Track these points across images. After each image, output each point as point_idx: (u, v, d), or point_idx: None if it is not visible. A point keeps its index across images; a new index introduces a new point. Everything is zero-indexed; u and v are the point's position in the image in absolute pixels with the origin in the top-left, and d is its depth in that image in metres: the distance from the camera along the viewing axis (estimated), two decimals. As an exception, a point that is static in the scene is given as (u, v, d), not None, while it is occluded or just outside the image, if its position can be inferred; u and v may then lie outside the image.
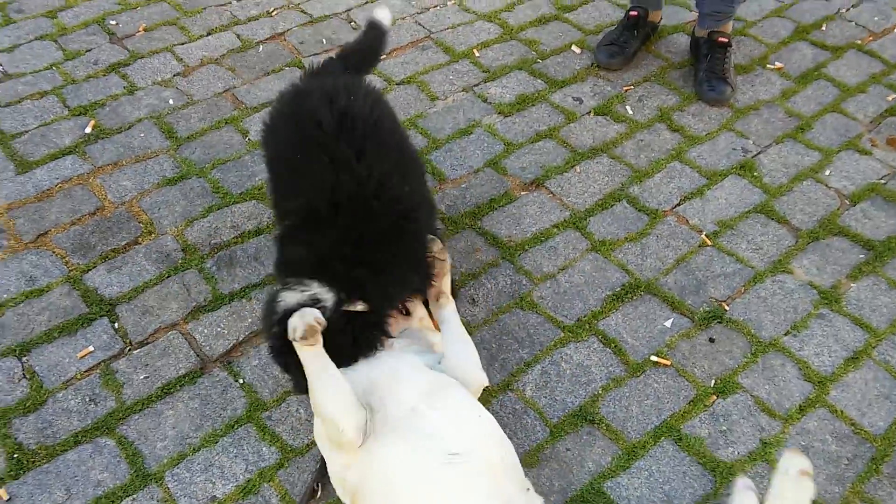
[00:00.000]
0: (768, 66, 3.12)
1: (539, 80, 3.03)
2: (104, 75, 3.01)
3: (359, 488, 1.50)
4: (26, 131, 2.77)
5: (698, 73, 2.99)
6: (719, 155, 2.74)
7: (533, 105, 2.92)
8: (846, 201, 2.60)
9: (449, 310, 1.81)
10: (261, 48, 3.16)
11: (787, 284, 2.33)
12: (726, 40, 2.96)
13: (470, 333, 2.07)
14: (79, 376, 2.07)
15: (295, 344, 1.54)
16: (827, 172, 2.69)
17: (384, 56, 3.11)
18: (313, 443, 1.94)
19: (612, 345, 2.17)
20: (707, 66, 2.96)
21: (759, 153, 2.75)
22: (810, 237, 2.47)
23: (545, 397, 2.05)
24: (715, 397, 2.06)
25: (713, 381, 2.09)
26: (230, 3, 3.38)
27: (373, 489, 1.48)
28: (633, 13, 3.10)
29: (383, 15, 2.27)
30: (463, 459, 1.45)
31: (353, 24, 3.28)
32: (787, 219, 2.52)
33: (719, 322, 2.23)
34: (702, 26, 3.03)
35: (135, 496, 1.84)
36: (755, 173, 2.67)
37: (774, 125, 2.86)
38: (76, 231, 2.44)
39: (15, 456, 1.91)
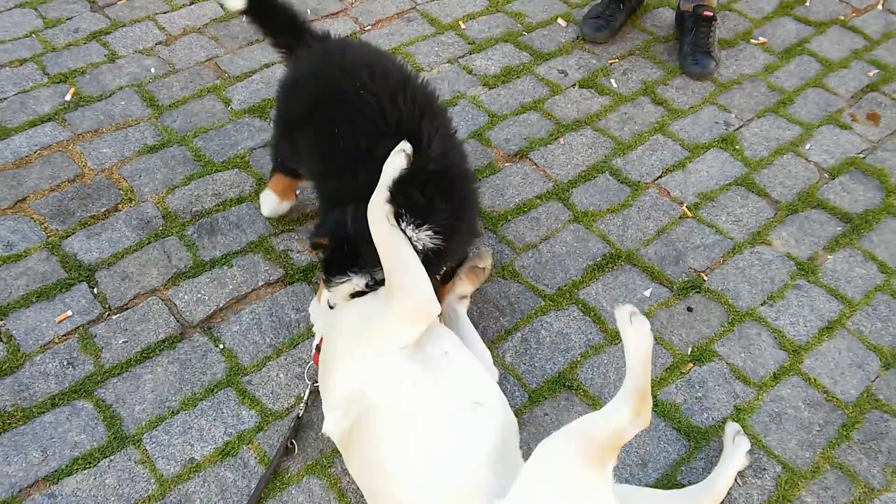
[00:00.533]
0: (752, 40, 3.12)
1: (524, 53, 3.02)
2: (84, 43, 2.98)
3: (377, 402, 1.60)
4: (4, 98, 2.74)
5: (683, 47, 2.99)
6: (702, 128, 2.75)
7: (518, 77, 2.92)
8: (825, 175, 2.61)
9: (464, 309, 2.02)
10: (244, 18, 3.11)
11: (765, 256, 2.35)
12: (711, 14, 2.96)
13: (449, 298, 2.09)
14: (57, 340, 2.06)
15: (378, 221, 1.65)
16: (807, 146, 2.70)
17: (369, 27, 3.10)
18: (292, 407, 1.95)
19: (592, 313, 2.19)
20: (691, 40, 2.96)
21: (740, 127, 2.76)
22: (789, 210, 2.49)
23: (525, 364, 2.07)
24: (691, 365, 2.08)
25: (690, 350, 2.11)
26: (213, -28, 3.34)
27: (390, 409, 1.58)
28: (619, -14, 3.10)
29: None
30: (484, 411, 1.59)
31: (337, -6, 3.26)
32: (766, 191, 2.54)
33: (698, 292, 2.25)
34: (687, 0, 3.03)
35: (112, 458, 1.84)
36: (736, 146, 2.68)
37: (757, 99, 2.87)
38: (55, 197, 2.42)
39: (-8, 419, 1.90)
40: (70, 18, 3.08)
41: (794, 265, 2.33)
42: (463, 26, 3.13)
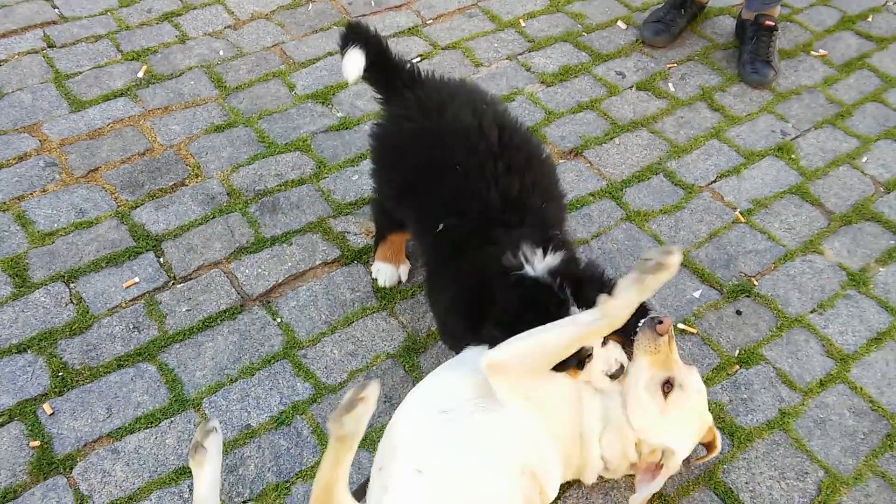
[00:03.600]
0: (812, 52, 3.12)
1: (583, 53, 3.05)
2: (157, 23, 3.08)
3: None
4: (80, 72, 2.85)
5: (742, 55, 3.00)
6: (758, 136, 2.76)
7: (576, 76, 2.95)
8: (881, 188, 2.61)
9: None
10: (310, 6, 3.21)
11: (816, 264, 2.36)
12: (773, 24, 2.97)
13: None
14: (124, 305, 2.16)
15: None
16: (864, 159, 2.70)
17: (431, 21, 3.15)
18: (345, 382, 2.01)
19: (640, 311, 2.22)
20: (752, 49, 2.97)
21: (797, 136, 2.76)
22: (843, 220, 2.49)
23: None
24: (738, 367, 2.10)
25: (737, 352, 2.13)
26: (282, -40, 3.44)
27: None
28: (681, -8, 3.12)
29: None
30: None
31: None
32: (821, 201, 2.54)
33: (747, 296, 2.27)
34: (749, 8, 3.03)
35: (173, 419, 1.93)
36: (792, 155, 2.69)
37: (815, 110, 2.87)
38: (125, 169, 2.52)
39: (60, 374, 2.00)
40: (143, -1, 3.20)
41: (846, 275, 2.34)
42: (523, 24, 3.17)
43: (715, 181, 2.60)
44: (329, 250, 2.33)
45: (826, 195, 2.57)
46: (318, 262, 2.29)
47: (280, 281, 2.24)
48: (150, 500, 1.78)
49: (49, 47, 2.94)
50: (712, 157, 2.67)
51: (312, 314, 2.16)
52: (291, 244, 2.33)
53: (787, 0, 3.33)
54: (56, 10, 3.10)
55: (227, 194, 2.46)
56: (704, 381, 2.03)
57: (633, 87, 2.92)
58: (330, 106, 2.78)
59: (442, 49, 3.03)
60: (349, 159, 2.59)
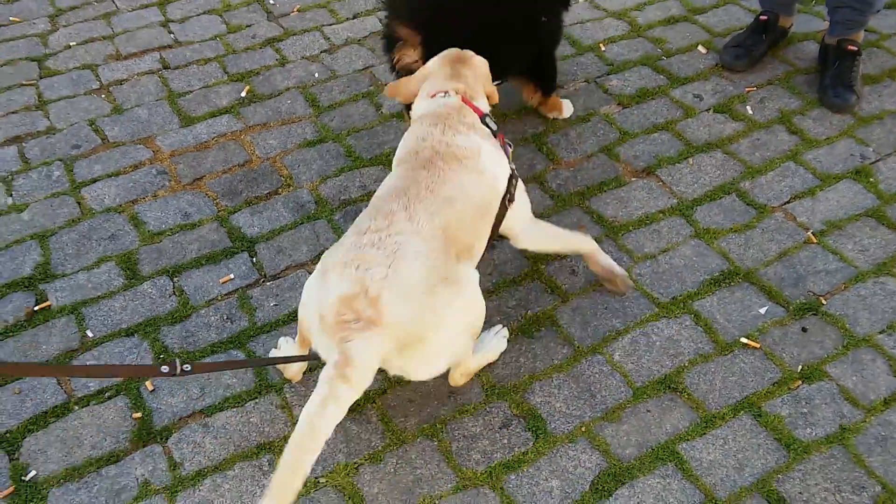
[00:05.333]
0: (899, 77, 3.08)
1: (661, 76, 3.13)
2: (260, 48, 3.36)
3: None
4: (191, 91, 3.14)
5: (824, 80, 3.00)
6: (836, 159, 2.75)
7: (652, 98, 3.03)
8: (965, 213, 2.56)
9: None
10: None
11: (888, 286, 2.34)
12: (855, 49, 2.96)
13: (567, 300, 2.26)
14: (220, 298, 2.37)
15: None
16: (948, 184, 2.65)
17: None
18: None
19: (704, 324, 2.26)
20: (834, 73, 2.96)
21: (877, 160, 2.74)
22: (921, 244, 2.46)
23: (632, 363, 2.17)
24: (800, 382, 2.11)
25: (800, 367, 2.15)
26: (377, -10, 3.67)
27: None
28: (763, 17, 3.15)
29: None
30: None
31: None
32: (898, 224, 2.52)
33: (814, 314, 2.28)
34: (832, 34, 3.04)
35: (257, 400, 2.11)
36: (871, 179, 2.67)
37: (897, 135, 2.84)
38: (226, 178, 2.77)
39: (161, 356, 2.22)
40: (249, 26, 3.49)
41: (920, 298, 2.31)
42: (603, 48, 3.27)
43: (788, 202, 2.61)
44: (406, 256, 2.48)
45: (904, 219, 2.54)
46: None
47: (359, 282, 2.40)
48: (234, 470, 1.96)
49: (164, 68, 3.25)
50: (787, 179, 2.69)
51: (387, 314, 2.31)
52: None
53: (875, 26, 3.30)
54: (172, 36, 3.42)
55: (315, 203, 2.66)
56: (765, 395, 2.07)
57: (710, 109, 2.97)
58: (414, 124, 2.96)
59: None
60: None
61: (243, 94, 3.12)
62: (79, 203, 2.69)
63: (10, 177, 2.79)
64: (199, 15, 3.55)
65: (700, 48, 3.25)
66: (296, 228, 2.58)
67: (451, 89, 2.10)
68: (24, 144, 2.92)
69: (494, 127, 2.11)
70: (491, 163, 2.00)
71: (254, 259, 2.48)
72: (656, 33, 3.35)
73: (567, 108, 2.95)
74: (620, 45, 3.29)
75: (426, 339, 1.70)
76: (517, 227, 2.13)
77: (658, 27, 3.38)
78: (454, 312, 1.74)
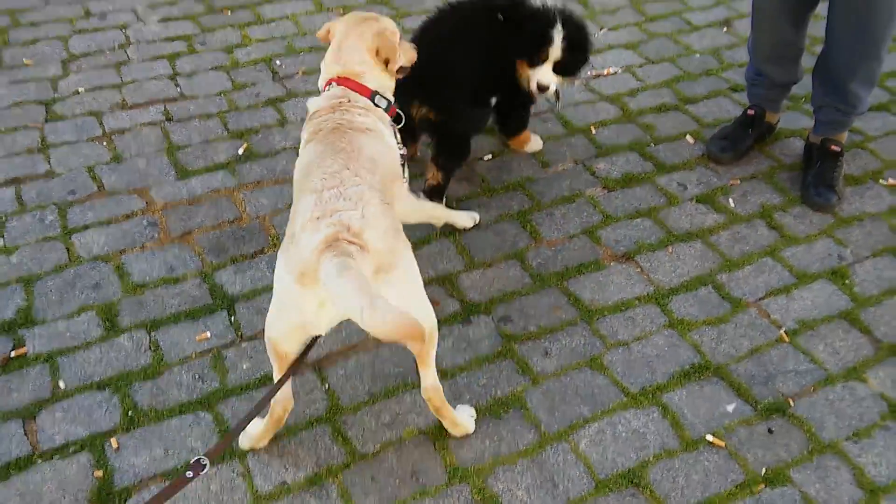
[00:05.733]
0: (881, 181, 3.14)
1: (648, 162, 3.20)
2: (262, 107, 3.45)
3: None
4: (190, 145, 3.21)
5: (807, 178, 3.06)
6: (814, 258, 2.80)
7: (638, 184, 3.09)
8: (937, 323, 2.59)
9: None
10: (399, 100, 3.50)
11: (857, 391, 2.36)
12: (838, 150, 3.03)
13: (537, 382, 2.26)
14: (194, 356, 2.40)
15: None
16: (922, 292, 2.69)
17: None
18: (378, 451, 2.16)
19: (671, 418, 2.28)
20: (816, 172, 3.03)
21: (854, 262, 2.79)
22: (891, 351, 2.48)
23: (597, 454, 2.18)
24: (763, 486, 2.12)
25: (764, 470, 2.15)
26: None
27: None
28: (751, 111, 3.23)
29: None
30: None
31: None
32: (870, 329, 2.55)
33: (782, 415, 2.29)
34: (816, 132, 3.12)
35: (218, 467, 2.11)
36: (846, 281, 2.71)
37: (876, 238, 2.88)
38: (215, 234, 2.81)
39: (129, 413, 2.24)
40: (254, 84, 3.58)
41: (887, 406, 2.32)
42: (594, 131, 3.35)
43: (763, 298, 2.65)
44: (383, 327, 2.51)
45: (876, 323, 2.57)
46: (369, 336, 2.47)
47: (333, 350, 2.43)
48: (187, 537, 1.96)
49: (167, 120, 3.33)
50: (764, 275, 2.73)
51: (357, 384, 2.33)
52: (348, 318, 2.53)
53: (860, 127, 3.38)
54: (178, 89, 3.52)
55: (299, 266, 2.70)
56: (727, 497, 2.08)
57: (693, 199, 3.03)
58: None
59: (513, 148, 3.24)
60: (414, 242, 2.79)
61: (241, 151, 3.19)
62: (68, 249, 2.73)
63: (3, 218, 2.85)
64: (207, 70, 3.65)
65: (688, 137, 3.33)
66: (277, 290, 2.61)
67: (335, 75, 2.26)
68: (21, 186, 2.98)
69: (385, 104, 2.27)
70: (391, 139, 2.22)
71: (232, 318, 2.51)
72: (647, 120, 3.43)
73: (535, 143, 3.23)
74: (611, 129, 3.37)
75: (395, 266, 1.84)
76: (402, 197, 2.30)
77: (649, 114, 3.46)
78: (409, 254, 1.93)
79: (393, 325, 1.63)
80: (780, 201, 3.04)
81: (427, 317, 1.96)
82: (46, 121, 3.30)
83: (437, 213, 2.74)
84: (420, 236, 2.79)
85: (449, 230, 2.83)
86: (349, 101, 2.18)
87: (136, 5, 4.09)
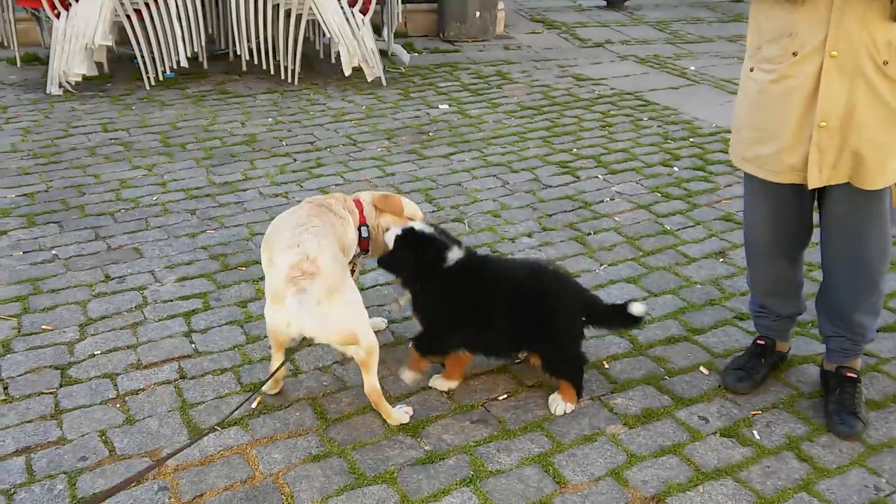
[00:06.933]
0: (903, 404, 3.10)
1: (665, 396, 3.17)
2: (276, 358, 3.48)
3: None
4: (203, 402, 3.21)
5: (828, 405, 3.02)
6: (850, 490, 2.68)
7: (658, 420, 3.04)
8: None
9: None
10: (409, 343, 3.55)
11: None
12: (855, 376, 3.03)
13: None
14: None
15: None
16: (975, 523, 2.54)
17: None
18: None
19: None
20: (836, 399, 3.00)
21: (891, 493, 2.66)
22: None
23: None
24: None
25: None
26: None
27: None
28: (760, 341, 3.27)
29: (639, 309, 3.03)
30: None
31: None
32: (928, 569, 2.37)
33: None
34: (829, 360, 3.13)
35: None
36: (889, 514, 2.58)
37: (911, 465, 2.78)
38: (227, 496, 2.71)
39: None
40: (267, 337, 3.64)
41: None
42: (606, 366, 3.37)
43: (808, 539, 2.50)
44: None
45: (934, 562, 2.40)
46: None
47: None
48: None
49: (181, 378, 3.35)
50: (803, 512, 2.60)
51: None
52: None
53: (874, 350, 3.40)
54: (193, 346, 3.58)
55: (315, 527, 2.58)
56: None
57: (716, 432, 2.97)
58: (419, 439, 2.96)
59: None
60: (431, 494, 2.69)
61: (254, 405, 3.17)
62: (72, 521, 2.62)
63: (12, 490, 2.76)
64: (220, 326, 3.74)
65: (702, 369, 3.34)
66: (291, 556, 2.47)
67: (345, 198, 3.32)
68: (32, 456, 2.92)
69: (365, 234, 3.26)
70: (354, 238, 3.23)
71: (243, 592, 2.35)
72: (658, 352, 3.46)
73: None
74: (623, 363, 3.39)
75: (342, 290, 2.82)
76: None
77: (659, 346, 3.50)
78: (351, 282, 2.95)
79: (335, 334, 2.77)
80: (806, 431, 2.98)
81: (365, 330, 2.85)
82: (61, 385, 3.32)
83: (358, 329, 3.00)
84: (438, 487, 2.69)
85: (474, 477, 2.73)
86: (342, 203, 3.25)
87: (154, 267, 4.29)
